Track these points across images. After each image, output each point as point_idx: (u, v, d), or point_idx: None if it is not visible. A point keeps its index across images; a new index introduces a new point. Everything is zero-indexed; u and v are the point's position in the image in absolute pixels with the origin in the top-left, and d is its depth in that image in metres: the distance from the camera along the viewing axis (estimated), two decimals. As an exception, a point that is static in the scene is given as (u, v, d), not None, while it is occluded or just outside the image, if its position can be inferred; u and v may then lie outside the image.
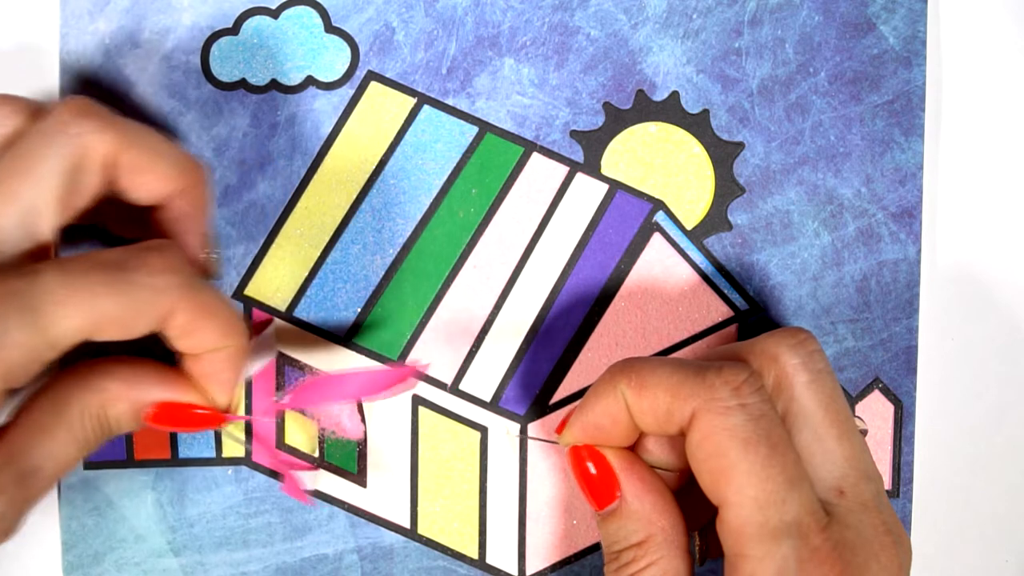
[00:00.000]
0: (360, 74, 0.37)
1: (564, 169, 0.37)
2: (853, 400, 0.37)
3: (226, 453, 0.37)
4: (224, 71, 0.37)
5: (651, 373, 0.30)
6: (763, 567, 0.28)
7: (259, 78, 0.37)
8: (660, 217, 0.37)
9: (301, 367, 0.37)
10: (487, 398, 0.37)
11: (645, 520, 0.31)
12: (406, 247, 0.37)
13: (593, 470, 0.31)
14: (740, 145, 0.37)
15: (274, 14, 0.37)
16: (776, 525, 0.28)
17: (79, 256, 0.29)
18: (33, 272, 0.28)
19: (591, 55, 0.37)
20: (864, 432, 0.36)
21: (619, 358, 0.37)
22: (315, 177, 0.37)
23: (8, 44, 0.37)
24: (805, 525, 0.28)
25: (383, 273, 0.37)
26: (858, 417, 0.35)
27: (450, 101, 0.37)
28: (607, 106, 0.37)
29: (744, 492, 0.28)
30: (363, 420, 0.37)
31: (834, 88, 0.37)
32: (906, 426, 0.38)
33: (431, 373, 0.37)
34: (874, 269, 0.37)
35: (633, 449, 0.32)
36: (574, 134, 0.37)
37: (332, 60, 0.37)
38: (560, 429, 0.32)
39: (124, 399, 0.31)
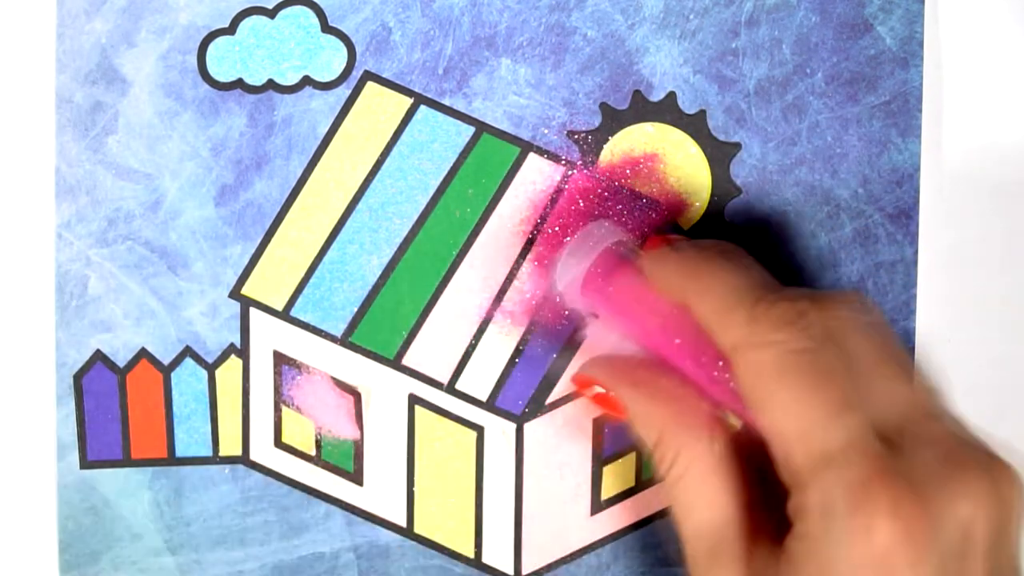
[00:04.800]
0: (357, 74, 0.37)
1: (561, 169, 0.37)
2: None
3: (223, 452, 0.37)
4: (221, 71, 0.37)
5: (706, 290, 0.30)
6: (806, 499, 0.26)
7: (256, 78, 0.37)
8: (657, 218, 0.37)
9: (298, 366, 0.37)
10: (483, 397, 0.37)
11: (649, 418, 0.30)
12: (403, 247, 0.37)
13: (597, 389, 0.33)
14: (737, 146, 0.37)
15: (271, 14, 0.37)
16: (818, 454, 0.26)
17: None
18: None
19: (588, 55, 0.37)
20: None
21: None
22: (312, 177, 0.37)
23: (3, 43, 0.37)
24: (856, 452, 0.26)
25: (380, 273, 0.37)
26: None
27: (447, 101, 0.37)
28: (604, 106, 0.37)
29: (782, 423, 0.27)
30: (360, 419, 0.37)
31: (831, 89, 0.37)
32: (902, 427, 0.38)
33: (428, 372, 0.37)
34: (871, 270, 0.37)
35: None
36: (571, 134, 0.37)
37: (329, 60, 0.37)
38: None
39: None
